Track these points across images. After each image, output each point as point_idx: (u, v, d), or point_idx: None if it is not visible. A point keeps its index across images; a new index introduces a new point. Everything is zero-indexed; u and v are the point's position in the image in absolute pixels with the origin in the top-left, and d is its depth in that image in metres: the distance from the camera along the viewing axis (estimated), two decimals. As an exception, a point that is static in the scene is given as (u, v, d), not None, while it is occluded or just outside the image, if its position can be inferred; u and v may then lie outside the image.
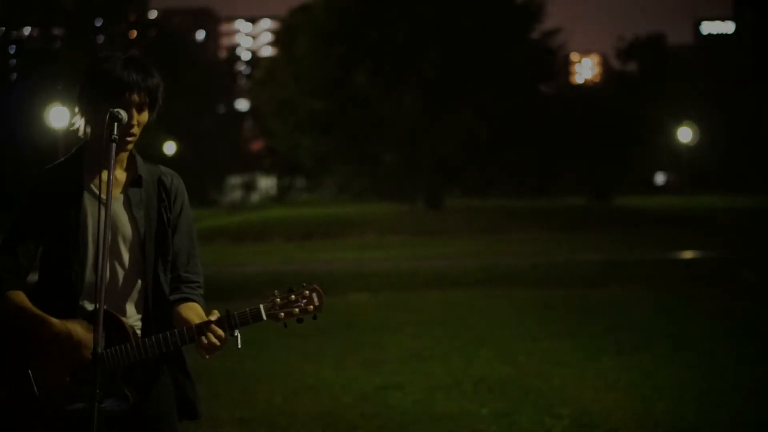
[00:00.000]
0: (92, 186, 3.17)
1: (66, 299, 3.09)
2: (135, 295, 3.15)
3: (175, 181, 3.27)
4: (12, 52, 48.77)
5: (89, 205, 3.14)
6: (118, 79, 3.08)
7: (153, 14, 58.22)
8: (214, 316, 3.06)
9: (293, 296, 3.06)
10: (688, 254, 20.60)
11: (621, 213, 38.98)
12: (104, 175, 3.08)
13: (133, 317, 3.15)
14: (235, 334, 3.04)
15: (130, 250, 3.15)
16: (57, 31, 50.02)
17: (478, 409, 6.99)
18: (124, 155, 3.20)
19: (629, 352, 9.02)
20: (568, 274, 16.48)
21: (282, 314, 3.05)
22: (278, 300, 3.05)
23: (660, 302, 12.89)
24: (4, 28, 47.68)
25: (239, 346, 3.05)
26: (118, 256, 3.14)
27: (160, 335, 3.05)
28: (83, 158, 3.20)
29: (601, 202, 49.74)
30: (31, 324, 3.06)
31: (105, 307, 3.01)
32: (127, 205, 3.17)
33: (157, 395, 3.18)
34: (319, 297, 3.07)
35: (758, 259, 18.27)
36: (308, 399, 7.49)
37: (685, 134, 47.95)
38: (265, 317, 3.04)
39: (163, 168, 3.30)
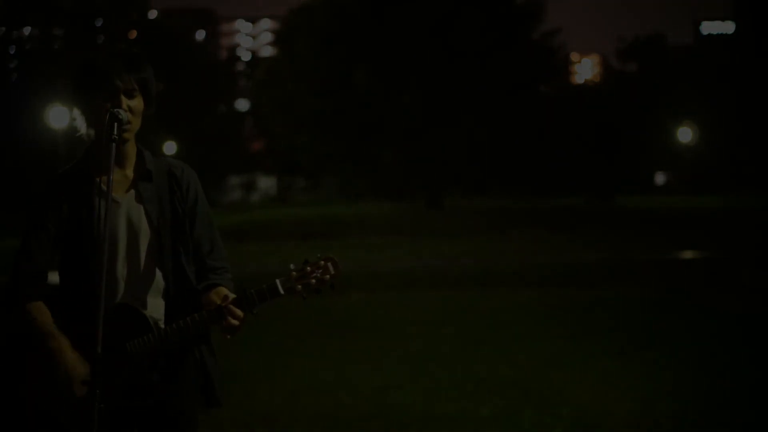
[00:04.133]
0: (102, 186, 3.17)
1: (86, 300, 3.07)
2: (156, 287, 3.17)
3: (186, 171, 3.29)
4: (12, 52, 48.75)
5: (101, 205, 3.15)
6: (99, 67, 3.10)
7: (153, 14, 58.20)
8: (231, 296, 3.08)
9: (309, 268, 3.07)
10: (688, 254, 20.59)
11: (621, 213, 38.95)
12: (115, 174, 3.13)
13: (155, 309, 3.15)
14: (254, 311, 3.06)
15: (148, 244, 3.17)
16: (57, 31, 50.00)
17: (479, 410, 6.99)
18: (132, 152, 3.21)
19: (629, 352, 9.02)
20: (568, 274, 16.47)
21: (299, 286, 3.05)
22: (294, 273, 3.06)
23: (660, 302, 12.89)
24: (4, 28, 47.66)
25: (254, 313, 3.07)
26: (136, 251, 3.16)
27: (181, 322, 3.07)
28: (91, 159, 3.21)
29: (601, 202, 49.73)
30: (42, 338, 3.09)
31: (127, 301, 3.10)
32: (139, 200, 3.19)
33: (180, 386, 3.18)
34: (335, 266, 3.08)
35: (758, 259, 18.26)
36: (308, 399, 7.48)
37: (685, 134, 47.95)
38: (282, 291, 3.05)
39: (171, 160, 3.31)
